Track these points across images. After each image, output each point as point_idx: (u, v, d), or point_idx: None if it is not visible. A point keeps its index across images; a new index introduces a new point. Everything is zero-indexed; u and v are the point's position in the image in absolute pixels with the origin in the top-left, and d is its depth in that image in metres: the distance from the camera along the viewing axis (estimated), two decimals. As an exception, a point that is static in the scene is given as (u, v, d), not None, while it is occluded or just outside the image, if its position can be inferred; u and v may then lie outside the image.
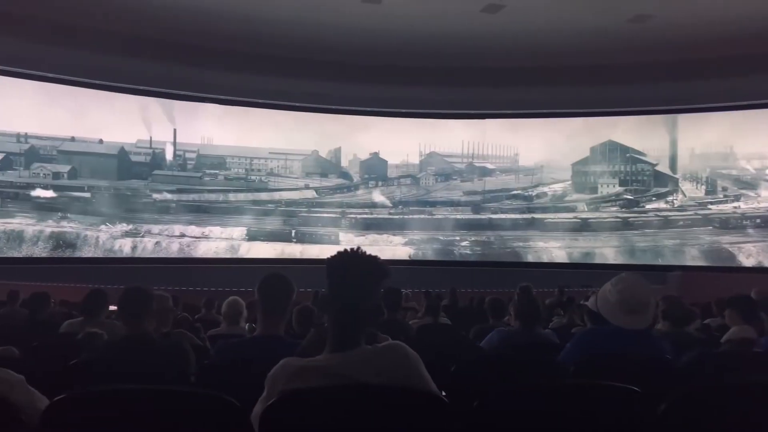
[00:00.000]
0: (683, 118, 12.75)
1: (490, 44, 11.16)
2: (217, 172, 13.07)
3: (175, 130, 12.54)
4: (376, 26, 10.72)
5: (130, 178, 12.34)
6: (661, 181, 12.93)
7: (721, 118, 12.33)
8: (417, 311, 6.60)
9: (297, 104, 12.85)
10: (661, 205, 12.90)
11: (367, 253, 1.82)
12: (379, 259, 1.82)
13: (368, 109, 13.03)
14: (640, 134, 13.11)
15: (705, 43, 10.64)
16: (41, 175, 11.66)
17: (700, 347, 3.31)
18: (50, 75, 11.15)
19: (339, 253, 1.82)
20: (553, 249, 13.10)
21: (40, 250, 11.33)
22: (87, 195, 11.91)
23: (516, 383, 1.95)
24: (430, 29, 10.71)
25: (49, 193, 11.60)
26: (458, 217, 13.59)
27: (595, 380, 1.96)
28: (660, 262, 12.54)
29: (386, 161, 13.81)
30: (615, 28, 10.49)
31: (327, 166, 13.77)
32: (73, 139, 11.92)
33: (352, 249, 1.82)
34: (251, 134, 13.10)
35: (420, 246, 13.40)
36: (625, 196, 13.06)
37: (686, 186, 12.82)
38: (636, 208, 12.99)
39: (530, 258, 13.20)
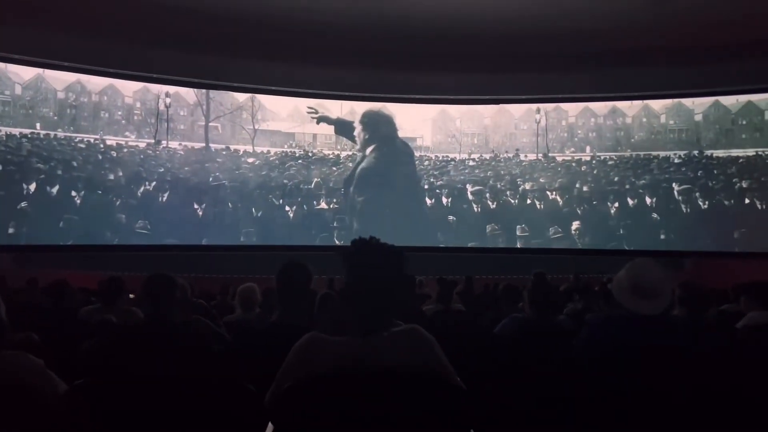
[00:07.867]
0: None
1: (500, 28, 10.99)
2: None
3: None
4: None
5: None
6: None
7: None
8: (431, 298, 6.60)
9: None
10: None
11: (381, 241, 1.84)
12: (394, 246, 1.84)
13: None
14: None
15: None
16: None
17: (716, 334, 3.29)
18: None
19: (354, 242, 1.84)
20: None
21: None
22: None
23: (528, 370, 1.95)
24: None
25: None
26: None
27: (608, 367, 1.96)
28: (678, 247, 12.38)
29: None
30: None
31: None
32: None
33: (364, 238, 1.85)
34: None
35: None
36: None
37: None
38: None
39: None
